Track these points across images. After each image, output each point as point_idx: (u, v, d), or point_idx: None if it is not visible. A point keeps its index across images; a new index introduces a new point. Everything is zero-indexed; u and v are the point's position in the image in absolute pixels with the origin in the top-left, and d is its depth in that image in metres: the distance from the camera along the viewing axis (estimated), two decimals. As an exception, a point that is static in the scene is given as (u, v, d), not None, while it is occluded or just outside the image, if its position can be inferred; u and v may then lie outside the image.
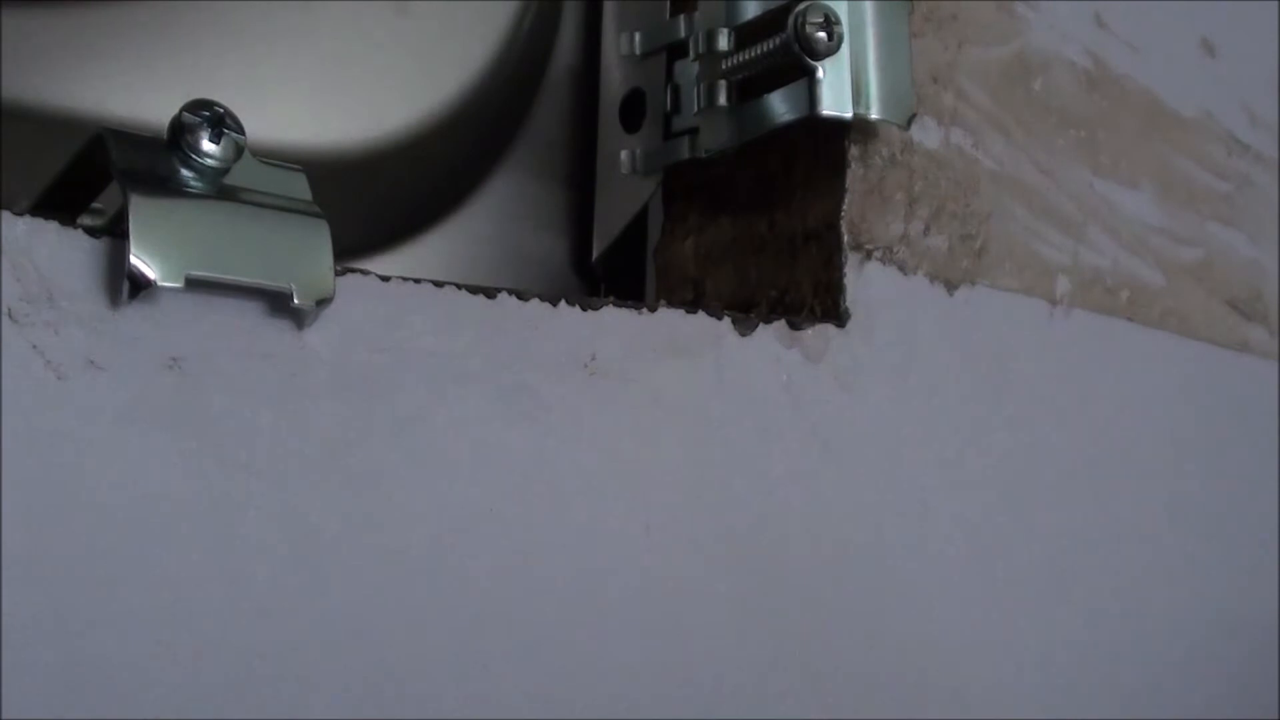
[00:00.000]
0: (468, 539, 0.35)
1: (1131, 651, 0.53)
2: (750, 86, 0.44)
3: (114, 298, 0.31)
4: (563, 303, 0.38)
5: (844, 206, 0.44)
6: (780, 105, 0.43)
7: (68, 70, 0.40)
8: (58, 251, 0.30)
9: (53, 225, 0.30)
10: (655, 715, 0.39)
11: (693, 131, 0.46)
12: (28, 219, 0.30)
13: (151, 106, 0.41)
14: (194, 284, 0.30)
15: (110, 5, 0.41)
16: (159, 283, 0.30)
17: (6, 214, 0.30)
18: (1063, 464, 0.50)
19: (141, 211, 0.30)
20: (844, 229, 0.44)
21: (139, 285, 0.30)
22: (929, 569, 0.46)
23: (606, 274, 0.51)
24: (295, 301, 0.32)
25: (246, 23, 0.43)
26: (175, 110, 0.32)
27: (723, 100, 0.44)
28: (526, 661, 0.36)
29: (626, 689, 0.39)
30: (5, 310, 0.29)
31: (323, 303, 0.32)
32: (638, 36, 0.48)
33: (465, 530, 0.35)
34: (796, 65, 0.42)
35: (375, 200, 0.46)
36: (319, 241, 0.32)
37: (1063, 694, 0.50)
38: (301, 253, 0.32)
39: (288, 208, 0.33)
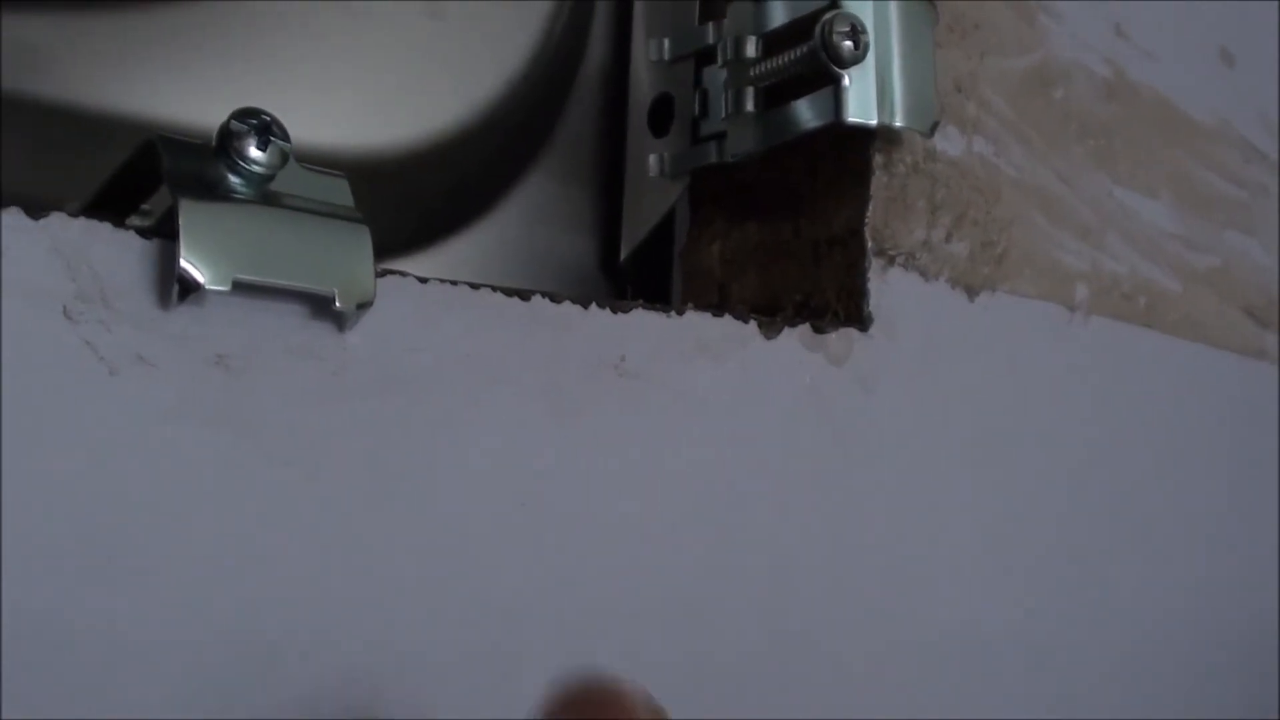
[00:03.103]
0: (500, 534, 0.36)
1: (1150, 653, 0.53)
2: (777, 93, 0.45)
3: (164, 298, 0.31)
4: (593, 305, 0.39)
5: (868, 213, 0.45)
6: (806, 112, 0.43)
7: (116, 74, 0.41)
8: (111, 252, 0.31)
9: (106, 227, 0.31)
10: (677, 710, 0.40)
11: (720, 136, 0.46)
12: (83, 220, 0.31)
13: (194, 109, 0.42)
14: (240, 287, 0.31)
15: (152, 11, 0.42)
16: (207, 286, 0.31)
17: (62, 215, 0.31)
18: (1079, 467, 0.51)
19: (191, 216, 0.31)
20: (868, 235, 0.44)
21: (189, 288, 0.31)
22: (947, 568, 0.46)
23: (634, 275, 0.52)
24: (337, 304, 0.33)
25: (282, 27, 0.44)
26: (215, 112, 0.32)
27: (750, 106, 0.45)
28: (555, 654, 0.37)
29: (651, 682, 0.39)
30: (61, 308, 0.30)
31: (363, 306, 0.33)
32: (667, 42, 0.49)
33: (498, 525, 0.36)
34: (823, 73, 0.42)
35: (409, 202, 0.47)
36: (360, 246, 0.33)
37: (1078, 693, 0.51)
38: (343, 257, 0.33)
39: (330, 213, 0.34)
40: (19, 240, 0.30)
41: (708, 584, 0.40)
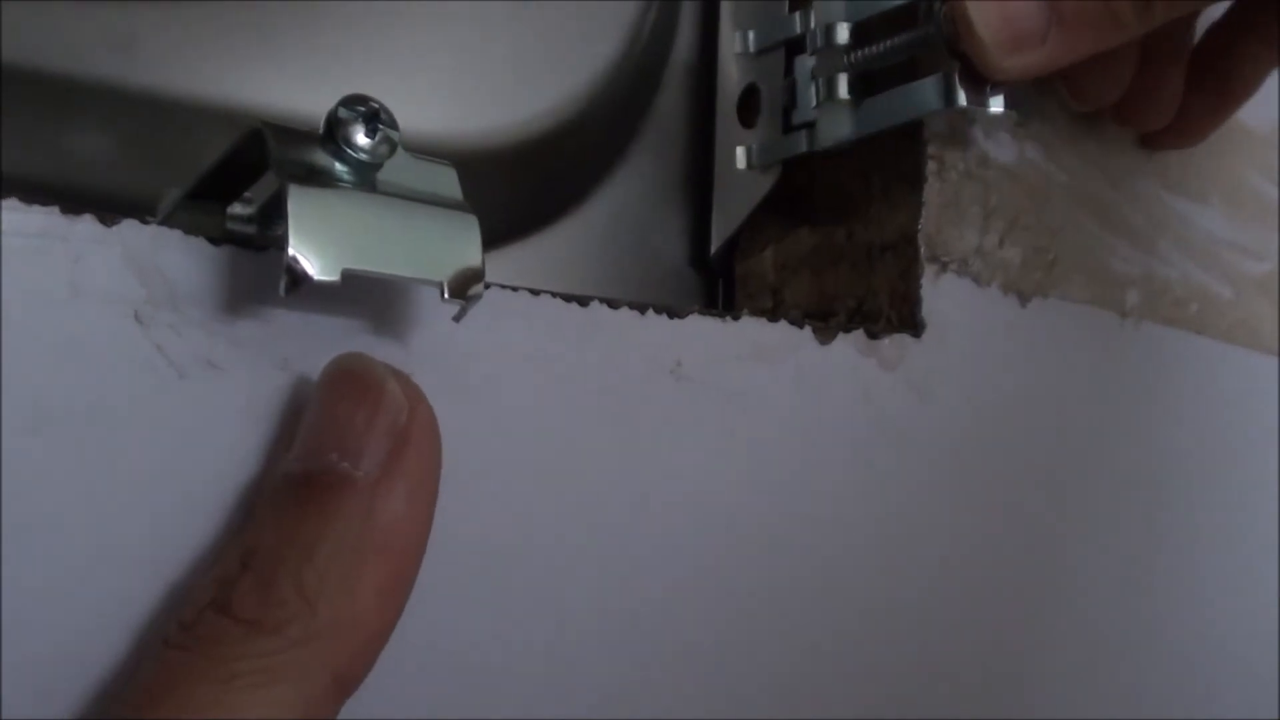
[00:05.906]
0: (558, 536, 0.37)
1: (1193, 660, 0.53)
2: (868, 82, 0.44)
3: (231, 302, 0.32)
4: (650, 311, 0.39)
5: (921, 219, 0.45)
6: (909, 100, 0.42)
7: (216, 62, 0.40)
8: (180, 258, 0.31)
9: (176, 234, 0.32)
10: (728, 711, 0.40)
11: (810, 126, 0.45)
12: (154, 227, 0.31)
13: (290, 97, 0.41)
14: (349, 278, 0.30)
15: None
16: (316, 278, 0.29)
17: (134, 222, 0.31)
18: (1130, 473, 0.51)
19: (300, 205, 0.30)
20: (921, 241, 0.45)
21: (298, 280, 0.29)
22: (1001, 573, 0.47)
23: (723, 269, 0.51)
24: (446, 296, 0.31)
25: (375, 16, 0.43)
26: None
27: (843, 94, 0.44)
28: (609, 652, 0.38)
29: (700, 681, 0.40)
30: (133, 313, 0.31)
31: (473, 297, 0.32)
32: (753, 34, 0.48)
33: (556, 528, 0.37)
34: (932, 59, 0.42)
35: (501, 196, 0.46)
36: (469, 237, 0.32)
37: (1114, 699, 0.51)
38: (452, 248, 0.32)
39: (438, 202, 0.33)
40: (93, 247, 0.31)
41: (760, 587, 0.41)
